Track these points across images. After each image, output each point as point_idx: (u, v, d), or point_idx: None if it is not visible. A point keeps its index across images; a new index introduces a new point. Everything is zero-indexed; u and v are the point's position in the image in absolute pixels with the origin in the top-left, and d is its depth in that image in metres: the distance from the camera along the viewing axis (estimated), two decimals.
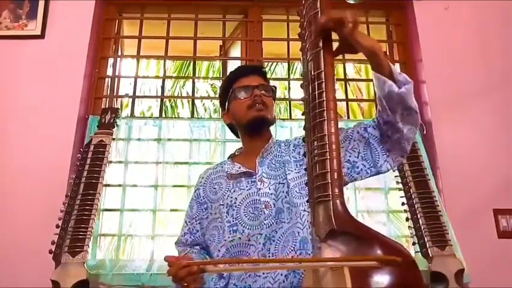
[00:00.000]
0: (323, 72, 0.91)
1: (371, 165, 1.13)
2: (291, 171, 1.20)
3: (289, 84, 2.53)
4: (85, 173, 1.77)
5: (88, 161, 1.80)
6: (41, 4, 2.27)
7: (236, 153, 1.37)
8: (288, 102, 2.57)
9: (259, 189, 1.19)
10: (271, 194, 1.18)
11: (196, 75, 3.93)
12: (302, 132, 0.96)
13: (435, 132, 2.13)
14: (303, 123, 0.96)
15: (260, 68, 1.41)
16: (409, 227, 1.80)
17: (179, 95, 5.41)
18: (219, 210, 1.23)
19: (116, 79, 2.44)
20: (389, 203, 2.11)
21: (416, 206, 1.79)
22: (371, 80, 1.05)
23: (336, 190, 0.82)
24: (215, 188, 1.29)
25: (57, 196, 1.81)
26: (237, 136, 1.40)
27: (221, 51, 2.64)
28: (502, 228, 1.99)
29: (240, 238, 1.15)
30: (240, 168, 1.26)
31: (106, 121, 1.93)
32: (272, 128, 1.39)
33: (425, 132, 2.12)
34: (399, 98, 1.00)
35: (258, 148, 1.28)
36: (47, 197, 1.90)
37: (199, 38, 2.46)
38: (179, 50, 2.68)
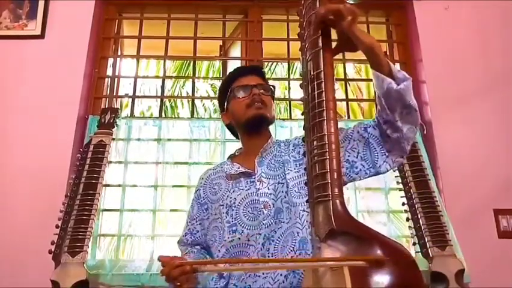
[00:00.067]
0: (322, 72, 0.90)
1: (370, 165, 1.13)
2: (291, 170, 1.20)
3: (289, 84, 2.53)
4: (85, 173, 1.77)
5: (88, 161, 1.79)
6: (41, 4, 2.27)
7: (236, 154, 1.37)
8: (288, 102, 2.57)
9: (258, 189, 1.19)
10: (270, 194, 1.18)
11: (196, 75, 3.93)
12: (302, 132, 0.96)
13: (436, 132, 2.13)
14: (303, 123, 0.96)
15: (258, 68, 1.42)
16: (409, 227, 1.80)
17: (179, 95, 5.41)
18: (218, 211, 1.23)
19: (116, 79, 2.44)
20: (390, 203, 2.11)
21: (416, 206, 1.79)
22: (371, 80, 1.04)
23: (336, 190, 0.81)
24: (215, 189, 1.29)
25: (57, 196, 1.81)
26: (237, 137, 1.40)
27: (221, 51, 2.63)
28: (503, 228, 1.99)
29: (239, 238, 1.15)
30: (239, 168, 1.26)
31: (106, 121, 1.92)
32: (272, 128, 1.40)
33: (425, 132, 2.12)
34: (398, 95, 0.99)
35: (257, 148, 1.28)
36: (46, 197, 1.90)
37: (199, 38, 2.46)
38: (179, 50, 2.68)
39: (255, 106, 1.26)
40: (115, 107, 2.28)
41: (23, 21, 2.26)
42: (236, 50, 2.54)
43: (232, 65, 2.51)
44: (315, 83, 0.90)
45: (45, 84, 2.15)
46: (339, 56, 1.02)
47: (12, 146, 2.05)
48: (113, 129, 1.92)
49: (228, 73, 1.46)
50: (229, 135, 1.47)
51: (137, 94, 2.57)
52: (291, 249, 1.09)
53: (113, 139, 1.96)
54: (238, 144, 1.40)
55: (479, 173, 2.07)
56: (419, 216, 1.77)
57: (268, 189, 1.19)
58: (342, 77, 2.54)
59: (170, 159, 2.20)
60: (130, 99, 2.51)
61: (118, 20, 2.50)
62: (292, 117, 2.36)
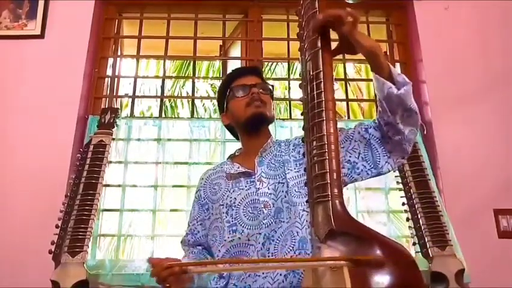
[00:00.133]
0: (322, 72, 0.90)
1: (372, 166, 1.13)
2: (291, 170, 1.20)
3: (289, 84, 2.53)
4: (85, 173, 1.77)
5: (88, 161, 1.79)
6: (41, 4, 2.27)
7: (236, 154, 1.37)
8: (288, 102, 2.57)
9: (258, 189, 1.19)
10: (271, 193, 1.18)
11: (196, 75, 3.93)
12: (302, 132, 0.96)
13: (436, 132, 2.13)
14: (302, 123, 0.96)
15: (257, 69, 1.42)
16: (409, 227, 1.80)
17: (179, 95, 5.40)
18: (219, 211, 1.23)
19: (116, 79, 2.43)
20: (390, 203, 2.10)
21: (416, 206, 1.79)
22: (371, 80, 1.04)
23: (335, 190, 0.81)
24: (215, 189, 1.29)
25: (57, 196, 1.81)
26: (237, 138, 1.40)
27: (221, 51, 2.63)
28: (503, 228, 1.99)
29: (239, 238, 1.15)
30: (238, 168, 1.26)
31: (106, 121, 1.92)
32: (272, 128, 1.40)
33: (425, 133, 2.12)
34: (398, 99, 1.00)
35: (257, 147, 1.28)
36: (46, 197, 1.90)
37: (199, 38, 2.46)
38: (179, 49, 2.68)
39: (254, 105, 1.26)
40: (115, 107, 2.28)
41: (22, 21, 2.26)
42: (236, 50, 2.54)
43: (232, 65, 2.51)
44: (314, 83, 0.90)
45: (45, 84, 2.15)
46: (339, 55, 1.02)
47: (12, 146, 2.05)
48: (113, 129, 1.92)
49: (227, 73, 1.46)
50: (229, 135, 1.47)
51: (137, 94, 2.57)
52: (291, 248, 1.09)
53: (113, 139, 1.96)
54: (238, 144, 1.40)
55: (479, 173, 2.06)
56: (419, 216, 1.77)
57: (268, 189, 1.19)
58: (342, 77, 2.53)
59: (170, 159, 2.20)
60: (130, 99, 2.51)
61: (118, 19, 2.50)
62: (292, 117, 2.36)
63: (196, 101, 4.23)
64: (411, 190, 1.82)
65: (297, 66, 3.75)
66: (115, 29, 2.48)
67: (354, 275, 0.68)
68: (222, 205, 1.22)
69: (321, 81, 0.90)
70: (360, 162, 1.14)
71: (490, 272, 1.85)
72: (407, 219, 1.81)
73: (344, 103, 2.58)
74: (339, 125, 0.94)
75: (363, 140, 1.14)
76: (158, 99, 2.80)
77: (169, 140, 2.19)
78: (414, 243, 1.77)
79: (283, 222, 1.14)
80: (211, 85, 5.12)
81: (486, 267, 1.86)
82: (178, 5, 2.49)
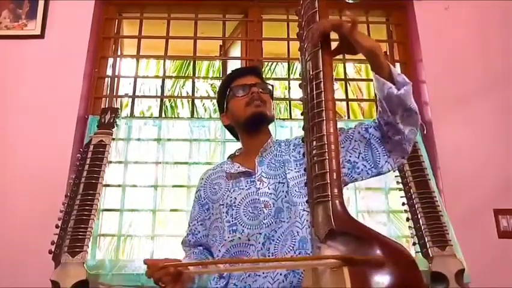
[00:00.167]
0: (322, 72, 0.90)
1: (372, 165, 1.13)
2: (291, 170, 1.20)
3: (289, 84, 2.53)
4: (85, 173, 1.77)
5: (88, 161, 1.79)
6: (41, 4, 2.27)
7: (236, 154, 1.37)
8: (288, 102, 2.57)
9: (259, 188, 1.19)
10: (271, 193, 1.18)
11: (196, 75, 3.93)
12: (302, 132, 0.96)
13: (436, 132, 2.13)
14: (302, 123, 0.96)
15: (256, 69, 1.43)
16: (409, 227, 1.80)
17: (179, 94, 5.40)
18: (219, 211, 1.23)
19: (116, 79, 2.43)
20: (390, 203, 2.11)
21: (416, 206, 1.79)
22: (371, 80, 1.05)
23: (335, 190, 0.81)
24: (215, 189, 1.29)
25: (57, 196, 1.81)
26: (237, 138, 1.40)
27: (221, 51, 2.63)
28: (503, 228, 1.99)
29: (239, 238, 1.15)
30: (239, 167, 1.26)
31: (106, 121, 1.92)
32: (272, 128, 1.40)
33: (425, 132, 2.12)
34: (398, 100, 1.00)
35: (257, 147, 1.28)
36: (46, 197, 1.90)
37: (199, 38, 2.46)
38: (179, 49, 2.68)
39: (254, 104, 1.26)
40: (115, 107, 2.28)
41: (22, 21, 2.26)
42: (236, 50, 2.54)
43: (232, 65, 2.51)
44: (314, 83, 0.91)
45: (45, 84, 2.15)
46: (339, 55, 1.02)
47: (12, 146, 2.05)
48: (113, 129, 1.92)
49: (227, 73, 1.46)
50: (229, 135, 1.47)
51: (137, 94, 2.57)
52: (291, 248, 1.09)
53: (113, 139, 1.96)
54: (238, 144, 1.40)
55: (479, 173, 2.06)
56: (419, 216, 1.77)
57: (269, 188, 1.19)
58: (342, 76, 2.53)
59: (170, 159, 2.20)
60: (130, 99, 2.51)
61: (118, 19, 2.50)
62: (292, 117, 2.36)
63: (196, 101, 4.23)
64: (411, 190, 1.82)
65: (297, 66, 3.75)
66: (115, 29, 2.48)
67: (354, 275, 0.68)
68: (222, 205, 1.22)
69: (321, 81, 0.90)
70: (360, 162, 1.14)
71: (490, 272, 1.85)
72: (407, 219, 1.81)
73: (344, 103, 2.58)
74: (339, 125, 0.94)
75: (363, 139, 1.14)
76: (158, 99, 2.80)
77: (169, 140, 2.18)
78: (414, 243, 1.77)
79: (284, 222, 1.14)
80: (211, 85, 5.12)
81: (486, 267, 1.86)
82: (178, 5, 2.49)
